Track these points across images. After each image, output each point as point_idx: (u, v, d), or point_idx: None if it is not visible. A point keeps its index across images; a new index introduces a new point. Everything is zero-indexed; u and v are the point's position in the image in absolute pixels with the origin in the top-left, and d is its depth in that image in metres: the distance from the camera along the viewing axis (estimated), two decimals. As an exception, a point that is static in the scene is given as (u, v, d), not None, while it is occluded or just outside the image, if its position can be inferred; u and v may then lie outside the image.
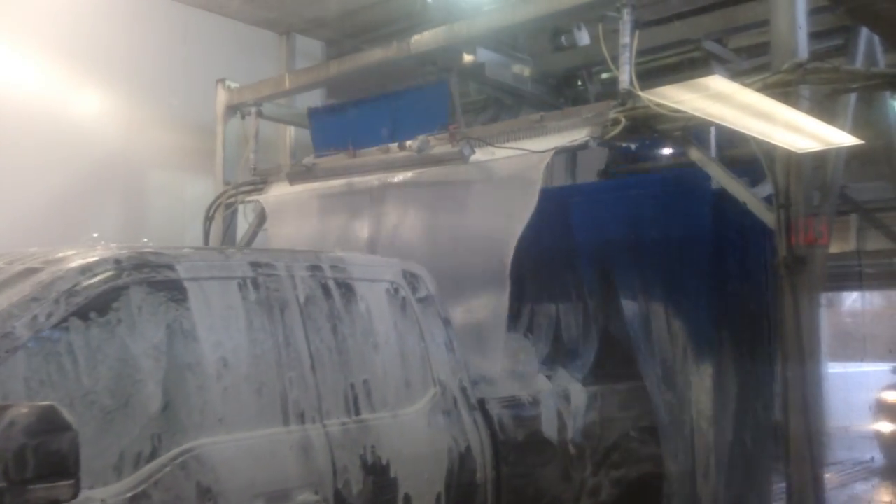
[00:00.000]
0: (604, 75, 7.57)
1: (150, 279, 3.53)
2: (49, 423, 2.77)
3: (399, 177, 6.17)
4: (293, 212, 7.01)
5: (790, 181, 4.96)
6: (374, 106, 6.71)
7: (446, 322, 4.70)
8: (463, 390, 4.57)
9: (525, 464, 4.70)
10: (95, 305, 3.33)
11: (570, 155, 6.86)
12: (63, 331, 3.22)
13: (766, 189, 5.21)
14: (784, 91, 4.85)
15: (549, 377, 5.28)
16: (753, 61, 6.85)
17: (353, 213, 6.41)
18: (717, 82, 4.68)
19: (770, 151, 5.07)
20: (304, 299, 4.03)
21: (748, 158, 5.43)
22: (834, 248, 6.28)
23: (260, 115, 7.85)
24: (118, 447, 3.21)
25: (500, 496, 4.51)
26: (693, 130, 5.39)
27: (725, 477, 5.46)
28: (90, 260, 3.46)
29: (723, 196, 5.30)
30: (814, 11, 5.41)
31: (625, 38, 5.31)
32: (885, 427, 12.44)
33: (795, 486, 4.94)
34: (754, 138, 5.05)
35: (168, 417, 3.38)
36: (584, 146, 5.40)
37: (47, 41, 7.66)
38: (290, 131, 8.95)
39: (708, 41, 6.89)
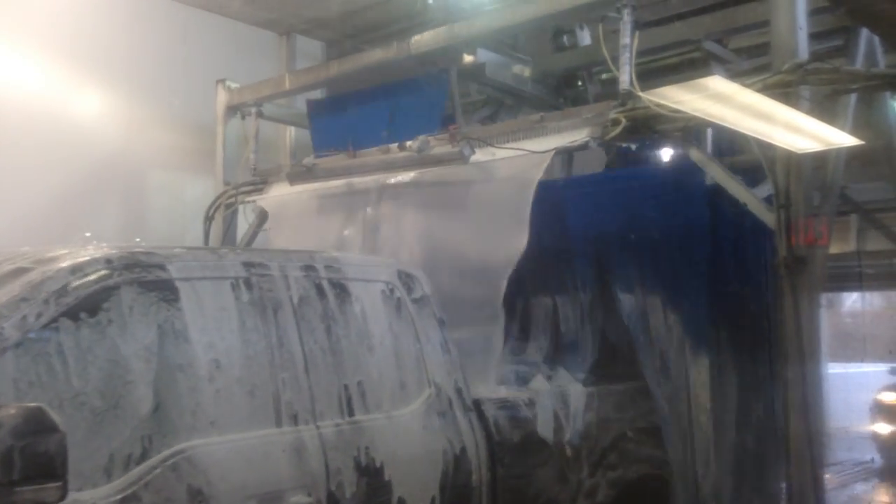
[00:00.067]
0: (603, 76, 7.57)
1: (142, 279, 3.51)
2: (36, 425, 2.76)
3: (399, 177, 6.16)
4: (293, 212, 7.01)
5: (790, 181, 4.95)
6: (373, 95, 6.71)
7: (441, 323, 4.67)
8: (458, 391, 4.54)
9: (521, 465, 4.68)
10: (86, 306, 3.30)
11: (567, 155, 6.85)
12: (53, 331, 3.19)
13: (766, 189, 5.21)
14: (784, 91, 4.84)
15: (549, 377, 5.28)
16: (754, 62, 6.84)
17: (354, 214, 6.41)
18: (718, 83, 4.68)
19: (770, 152, 5.07)
20: (297, 300, 4.00)
21: (752, 166, 5.43)
22: (834, 249, 6.26)
23: (260, 115, 7.84)
24: (108, 449, 3.18)
25: (496, 498, 4.49)
26: (692, 132, 5.38)
27: (727, 471, 5.47)
28: (80, 260, 3.43)
29: (717, 192, 5.30)
30: (814, 12, 5.40)
31: (625, 39, 5.30)
32: (882, 428, 12.43)
33: (795, 486, 4.94)
34: (754, 139, 5.05)
35: (159, 419, 3.35)
36: (584, 147, 5.39)
37: (47, 41, 7.65)
38: (291, 132, 8.95)
39: (708, 42, 6.88)
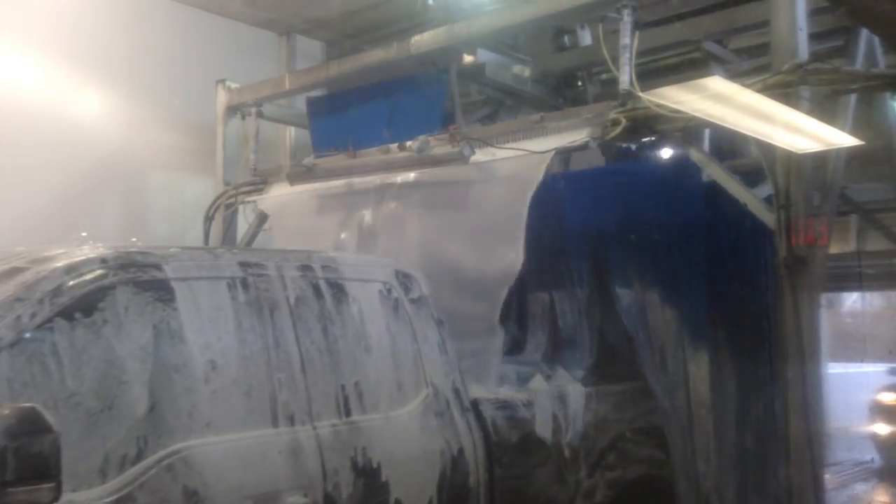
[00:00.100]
0: (603, 76, 7.57)
1: (137, 279, 3.49)
2: (30, 425, 2.75)
3: (399, 178, 6.16)
4: (293, 213, 7.01)
5: (790, 182, 4.96)
6: (372, 93, 6.72)
7: (439, 323, 4.65)
8: (456, 392, 4.52)
9: (519, 465, 4.66)
10: (81, 306, 3.28)
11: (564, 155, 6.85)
12: (47, 331, 3.17)
13: (766, 189, 5.21)
14: (784, 92, 4.84)
15: (548, 377, 5.27)
16: (754, 62, 6.84)
17: (353, 214, 6.41)
18: (717, 83, 4.67)
19: (770, 152, 5.07)
20: (294, 300, 3.98)
21: (751, 169, 5.44)
22: (834, 249, 6.26)
23: (260, 115, 7.84)
24: (103, 449, 3.17)
25: (494, 499, 4.46)
26: (692, 132, 5.39)
27: (729, 466, 5.47)
28: (75, 259, 3.41)
29: (715, 188, 5.30)
30: (814, 12, 5.40)
31: (625, 39, 5.31)
32: (881, 429, 12.42)
33: (795, 486, 4.94)
34: (754, 139, 5.05)
35: (154, 419, 3.33)
36: (584, 147, 5.39)
37: (47, 41, 7.65)
38: (291, 132, 8.95)
39: (708, 42, 6.88)
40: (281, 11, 9.17)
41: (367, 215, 6.29)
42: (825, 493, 5.12)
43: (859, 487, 10.93)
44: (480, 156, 5.72)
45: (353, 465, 3.88)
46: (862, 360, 16.62)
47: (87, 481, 3.09)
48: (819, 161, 5.32)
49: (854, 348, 18.03)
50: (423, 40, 6.48)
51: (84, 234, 4.22)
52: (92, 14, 7.91)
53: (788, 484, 4.99)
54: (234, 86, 7.97)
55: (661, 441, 5.47)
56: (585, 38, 7.62)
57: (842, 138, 5.16)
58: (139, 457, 3.25)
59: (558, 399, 5.01)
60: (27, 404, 2.82)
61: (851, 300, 18.99)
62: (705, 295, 5.50)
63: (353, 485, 3.86)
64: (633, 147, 5.90)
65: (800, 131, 4.87)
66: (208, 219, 7.79)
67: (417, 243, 5.89)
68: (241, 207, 7.68)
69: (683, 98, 4.72)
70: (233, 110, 7.98)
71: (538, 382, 5.11)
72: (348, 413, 3.99)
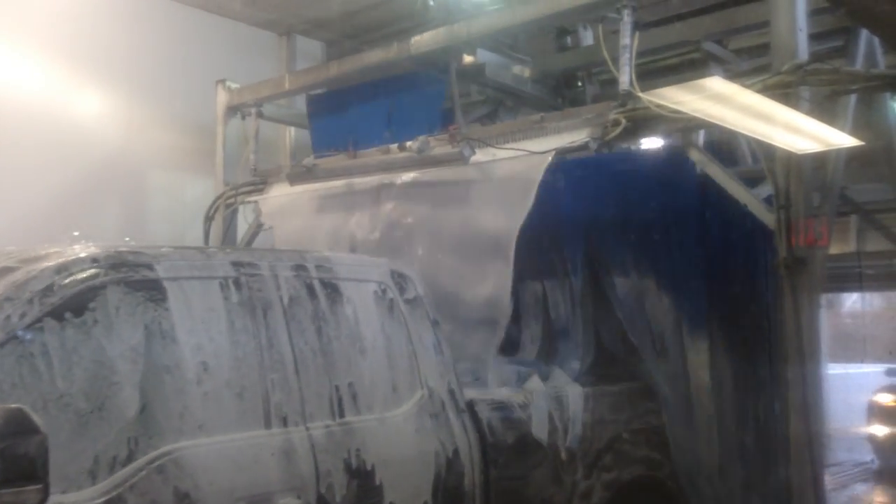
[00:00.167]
0: (602, 76, 7.58)
1: (128, 279, 3.45)
2: (17, 426, 2.72)
3: (399, 178, 6.16)
4: (293, 213, 7.01)
5: (790, 182, 4.96)
6: (372, 91, 6.72)
7: (435, 323, 4.61)
8: (451, 393, 4.48)
9: (515, 467, 4.63)
10: (71, 305, 3.25)
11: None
12: (37, 331, 3.14)
13: (766, 190, 5.22)
14: (784, 92, 4.84)
15: (545, 377, 5.26)
16: (753, 62, 6.84)
17: (353, 214, 6.41)
18: (717, 83, 4.67)
19: (770, 152, 5.07)
20: (287, 300, 3.95)
21: (749, 177, 5.45)
22: (834, 250, 6.26)
23: (260, 115, 7.85)
24: (93, 451, 3.14)
25: (489, 500, 4.43)
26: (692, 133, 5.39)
27: (731, 455, 5.48)
28: (66, 259, 3.37)
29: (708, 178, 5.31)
30: (814, 13, 5.39)
31: (625, 40, 5.31)
32: (878, 430, 12.41)
33: (796, 486, 4.94)
34: (754, 139, 5.05)
35: (145, 420, 3.30)
36: (584, 147, 5.39)
37: (47, 41, 7.65)
38: (291, 132, 8.94)
39: (708, 42, 6.88)
40: (281, 12, 9.17)
41: (366, 215, 6.29)
42: (825, 493, 5.12)
43: (859, 488, 10.93)
44: (480, 156, 5.72)
45: (347, 466, 3.85)
46: (862, 361, 16.64)
47: (76, 483, 3.07)
48: (819, 161, 5.32)
49: (854, 349, 18.06)
50: (423, 40, 6.48)
51: (76, 233, 4.19)
52: (92, 14, 7.91)
53: (789, 484, 4.99)
54: (234, 86, 7.97)
55: (659, 442, 5.46)
56: (587, 38, 7.62)
57: (842, 139, 5.16)
58: (130, 458, 3.22)
59: (555, 400, 4.98)
60: (14, 405, 2.80)
61: (851, 301, 19.02)
62: (704, 283, 5.51)
63: (347, 486, 3.82)
64: (636, 154, 5.90)
65: (800, 132, 4.87)
66: (208, 219, 7.79)
67: (417, 243, 5.88)
68: (241, 207, 7.69)
69: (683, 98, 4.72)
70: (233, 110, 7.99)
71: (535, 383, 5.09)
72: (342, 414, 3.95)
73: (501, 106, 7.72)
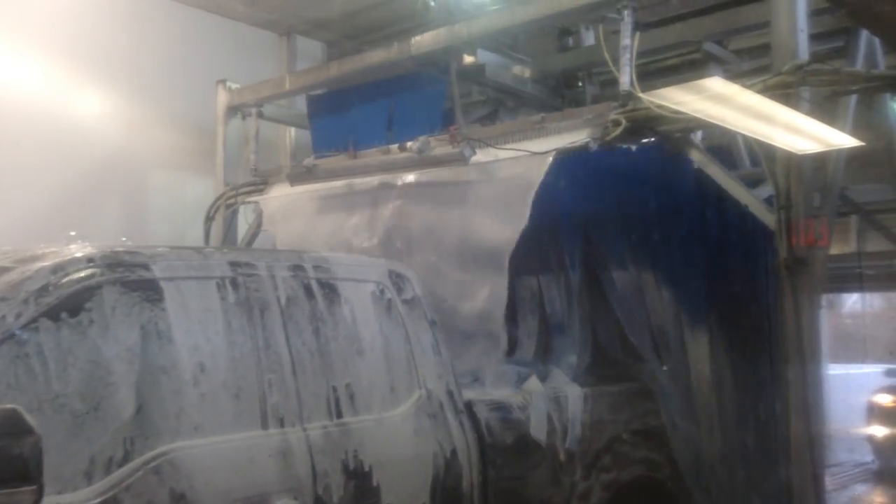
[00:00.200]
0: (602, 77, 7.57)
1: (124, 279, 3.44)
2: (10, 427, 2.72)
3: (400, 178, 6.16)
4: (293, 213, 7.01)
5: (791, 183, 4.95)
6: (372, 91, 6.71)
7: (433, 324, 4.60)
8: (449, 394, 4.47)
9: (513, 467, 4.61)
10: (66, 306, 3.24)
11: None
12: (32, 332, 3.13)
13: (767, 190, 5.21)
14: (784, 93, 4.83)
15: (544, 378, 5.25)
16: (754, 63, 6.84)
17: (354, 214, 6.41)
18: (718, 84, 4.67)
19: (771, 153, 5.07)
20: (285, 300, 3.93)
21: (747, 181, 5.45)
22: (834, 250, 6.25)
23: (260, 115, 7.84)
24: (88, 451, 3.13)
25: (488, 501, 4.42)
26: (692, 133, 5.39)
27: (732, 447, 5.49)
28: (62, 259, 3.36)
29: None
30: (814, 13, 5.39)
31: (625, 40, 5.30)
32: (877, 431, 12.40)
33: (796, 487, 4.94)
34: (755, 139, 5.05)
35: (141, 421, 3.29)
36: (584, 147, 5.38)
37: (47, 41, 7.64)
38: (291, 132, 8.94)
39: (708, 43, 6.88)
40: (281, 12, 9.17)
41: (367, 216, 6.28)
42: (826, 493, 5.12)
43: (860, 489, 10.92)
44: (481, 156, 5.71)
45: (344, 467, 3.84)
46: (863, 362, 16.63)
47: (72, 484, 3.06)
48: (819, 162, 5.31)
49: (854, 349, 18.05)
50: (423, 41, 6.48)
51: (73, 233, 4.18)
52: (92, 14, 7.91)
53: (789, 484, 4.99)
54: (234, 86, 7.97)
55: (658, 443, 5.46)
56: (589, 39, 7.62)
57: (842, 139, 5.15)
58: (125, 459, 3.21)
59: (554, 401, 4.97)
60: (8, 406, 2.79)
61: (852, 301, 19.02)
62: (703, 277, 5.51)
63: (344, 487, 3.81)
64: (633, 148, 5.89)
65: (800, 132, 4.87)
66: (209, 219, 7.79)
67: (418, 244, 5.88)
68: (241, 208, 7.68)
69: (684, 99, 4.72)
70: (233, 111, 7.98)
71: (533, 383, 5.08)
72: (339, 415, 3.94)
73: (502, 106, 7.71)
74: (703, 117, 4.80)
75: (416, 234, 5.93)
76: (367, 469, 3.92)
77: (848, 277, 9.55)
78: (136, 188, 8.47)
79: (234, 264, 3.86)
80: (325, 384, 3.94)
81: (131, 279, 3.46)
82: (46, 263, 3.32)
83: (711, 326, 5.52)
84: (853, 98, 5.57)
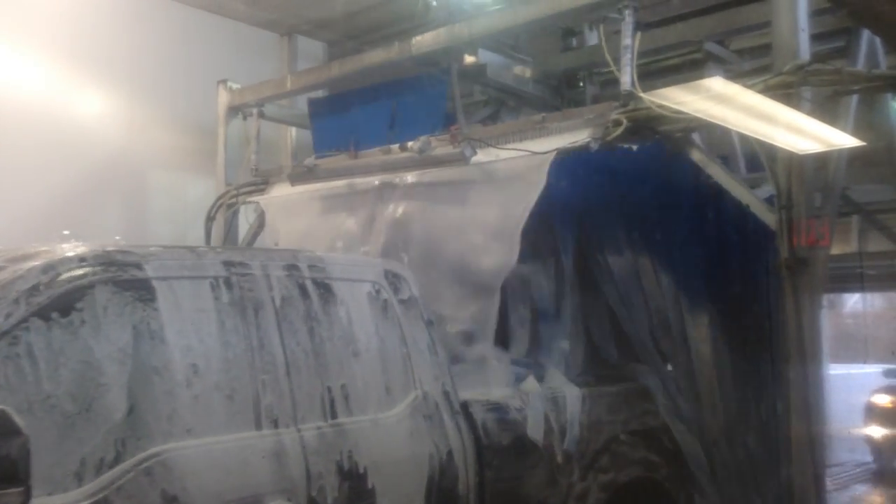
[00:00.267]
0: (603, 76, 7.58)
1: (117, 278, 3.40)
2: None
3: (400, 178, 6.16)
4: (293, 213, 7.01)
5: (792, 183, 4.95)
6: (374, 94, 6.71)
7: (429, 324, 4.57)
8: (445, 394, 4.44)
9: (510, 468, 4.59)
10: (58, 305, 3.20)
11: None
12: (23, 331, 3.09)
13: (768, 190, 5.21)
14: (785, 93, 4.83)
15: (540, 377, 5.23)
16: (755, 63, 6.84)
17: (355, 215, 6.41)
18: (719, 84, 4.67)
19: (772, 153, 5.06)
20: (280, 300, 3.90)
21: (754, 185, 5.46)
22: (835, 250, 6.25)
23: (261, 115, 7.85)
24: (79, 452, 3.10)
25: (484, 503, 4.39)
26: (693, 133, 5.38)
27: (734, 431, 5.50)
28: (53, 258, 3.33)
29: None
30: (815, 13, 5.38)
31: (626, 40, 5.30)
32: (875, 431, 12.38)
33: (797, 487, 4.94)
34: (755, 139, 5.05)
35: (133, 422, 3.26)
36: (585, 147, 5.38)
37: (48, 41, 7.64)
38: (292, 132, 8.95)
39: (709, 43, 6.88)
40: (282, 12, 9.17)
41: (368, 216, 6.28)
42: (826, 493, 5.12)
43: (860, 489, 10.92)
44: (483, 156, 5.71)
45: (339, 468, 3.81)
46: (864, 362, 16.63)
47: (62, 485, 3.03)
48: (820, 162, 5.31)
49: (855, 349, 18.05)
50: (424, 41, 6.48)
51: (66, 232, 4.16)
52: (93, 14, 7.91)
53: (790, 484, 4.99)
54: (235, 86, 7.97)
55: (656, 444, 5.45)
56: (593, 39, 7.61)
57: (843, 139, 5.15)
58: (117, 460, 3.18)
59: (551, 401, 4.94)
60: (-4, 407, 2.76)
61: (853, 301, 19.02)
62: (702, 262, 5.50)
63: (339, 489, 3.78)
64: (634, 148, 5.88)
65: (801, 132, 4.86)
66: (210, 219, 7.79)
67: (419, 244, 5.88)
68: (242, 208, 7.68)
69: (685, 99, 4.72)
70: (234, 111, 7.99)
71: (531, 384, 5.05)
72: (334, 416, 3.91)
73: (503, 106, 7.72)
74: (705, 117, 4.80)
75: (417, 233, 5.93)
76: (361, 470, 3.89)
77: (849, 277, 9.55)
78: (137, 188, 8.47)
79: (227, 264, 3.82)
80: (319, 385, 3.91)
81: (123, 279, 3.43)
82: (37, 263, 3.28)
83: (711, 311, 5.52)
84: (854, 98, 5.57)
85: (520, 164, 5.49)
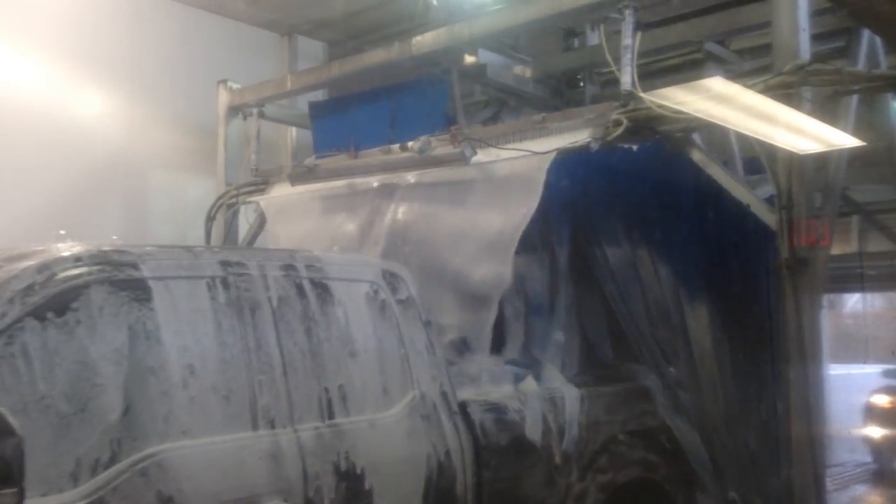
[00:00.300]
0: (604, 76, 7.58)
1: (112, 278, 3.39)
2: None
3: (400, 178, 6.16)
4: (294, 213, 7.01)
5: (792, 183, 4.94)
6: (374, 102, 6.71)
7: (427, 324, 4.54)
8: (443, 395, 4.42)
9: (508, 469, 4.56)
10: (53, 305, 3.19)
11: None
12: (18, 332, 3.08)
13: (768, 190, 5.21)
14: (786, 93, 4.82)
15: (537, 377, 5.22)
16: (755, 63, 6.84)
17: (355, 214, 6.41)
18: (719, 84, 4.66)
19: (772, 153, 5.06)
20: (277, 300, 3.88)
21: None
22: (835, 250, 6.25)
23: (262, 115, 7.86)
24: (75, 453, 3.09)
25: (482, 503, 4.38)
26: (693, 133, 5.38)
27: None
28: (48, 258, 3.31)
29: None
30: (816, 13, 5.37)
31: (626, 40, 5.30)
32: (874, 432, 12.35)
33: (797, 487, 4.94)
34: (756, 139, 5.05)
35: (128, 422, 3.24)
36: (585, 147, 5.38)
37: (48, 41, 7.64)
38: (292, 132, 8.95)
39: (710, 43, 6.88)
40: (283, 12, 9.17)
41: (368, 216, 6.28)
42: (827, 494, 5.11)
43: (860, 489, 10.91)
44: (483, 156, 5.71)
45: (336, 469, 3.79)
46: (864, 362, 16.61)
47: (57, 486, 3.02)
48: (821, 162, 5.31)
49: (856, 349, 18.04)
50: (424, 41, 6.48)
51: (62, 231, 4.14)
52: (93, 14, 7.91)
53: (790, 484, 4.99)
54: (235, 86, 7.98)
55: (655, 444, 5.43)
56: (595, 40, 7.61)
57: (843, 139, 5.14)
58: (112, 461, 3.16)
59: (549, 401, 4.92)
60: (-11, 407, 2.74)
61: (853, 301, 19.01)
62: (700, 254, 5.51)
63: (336, 489, 3.76)
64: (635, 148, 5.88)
65: (801, 132, 4.86)
66: (210, 219, 7.79)
67: (419, 243, 5.87)
68: (242, 208, 7.68)
69: (685, 99, 4.71)
70: (234, 111, 7.99)
71: (529, 384, 5.03)
72: (331, 416, 3.89)
73: (505, 107, 7.72)
74: (705, 117, 4.80)
75: (417, 233, 5.92)
76: (359, 471, 3.87)
77: (849, 278, 9.55)
78: (137, 188, 8.48)
79: (224, 263, 3.80)
80: (316, 385, 3.89)
81: (119, 278, 3.41)
82: (32, 262, 3.26)
83: (711, 303, 5.52)
84: (855, 98, 5.57)
85: (520, 163, 5.49)
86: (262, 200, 7.35)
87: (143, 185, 8.55)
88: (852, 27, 6.06)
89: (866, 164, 6.90)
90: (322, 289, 4.11)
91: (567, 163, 5.52)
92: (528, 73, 7.50)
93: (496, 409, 4.64)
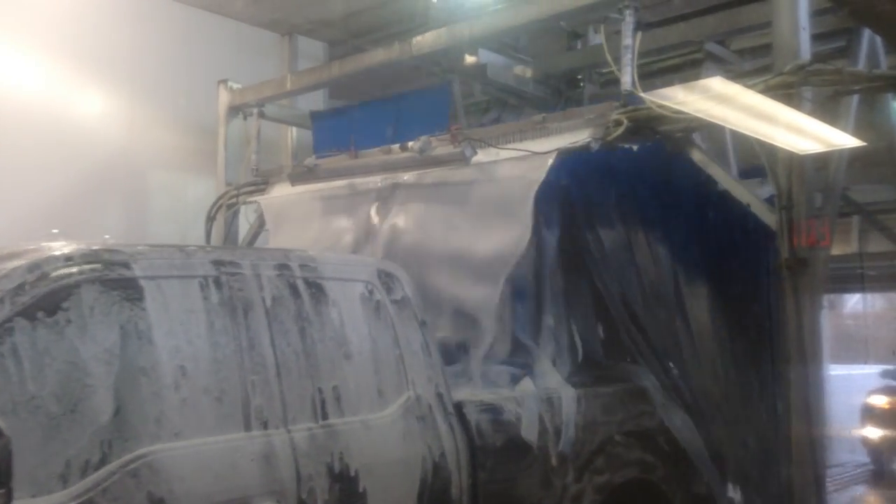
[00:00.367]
0: (603, 76, 7.58)
1: (104, 277, 3.36)
2: None
3: (400, 178, 6.16)
4: (294, 213, 7.01)
5: (792, 183, 4.94)
6: (376, 108, 6.71)
7: (422, 324, 4.50)
8: (439, 395, 4.38)
9: (504, 470, 4.53)
10: (43, 305, 3.16)
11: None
12: (7, 331, 3.05)
13: (768, 190, 5.21)
14: (786, 93, 4.82)
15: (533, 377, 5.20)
16: (756, 63, 6.84)
17: (355, 215, 6.40)
18: (720, 84, 4.66)
19: (772, 153, 5.06)
20: (270, 300, 3.84)
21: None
22: (836, 250, 6.25)
23: (262, 115, 7.86)
24: (64, 454, 3.06)
25: None
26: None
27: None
28: (38, 257, 3.28)
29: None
30: (816, 13, 5.37)
31: (627, 40, 5.30)
32: (871, 432, 12.34)
33: (797, 487, 4.93)
34: (756, 139, 5.05)
35: (119, 423, 3.21)
36: (586, 147, 5.38)
37: (49, 41, 7.65)
38: (292, 132, 8.95)
39: (710, 43, 6.88)
40: (283, 12, 9.17)
41: (368, 216, 6.28)
42: (827, 494, 5.11)
43: (860, 489, 10.91)
44: (483, 156, 5.70)
45: (329, 470, 3.76)
46: (865, 362, 16.61)
47: (47, 487, 3.00)
48: (821, 162, 5.30)
49: (856, 350, 18.04)
50: (425, 41, 6.48)
51: (55, 230, 4.13)
52: (94, 14, 7.91)
53: (790, 484, 4.98)
54: (236, 86, 7.98)
55: (652, 445, 5.40)
56: (596, 41, 7.62)
57: (844, 139, 5.14)
58: (102, 462, 3.13)
59: (547, 402, 4.89)
60: (-24, 408, 2.72)
61: (853, 302, 19.01)
62: (696, 235, 5.52)
63: (329, 491, 3.74)
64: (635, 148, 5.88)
65: (802, 132, 4.85)
66: (210, 219, 7.79)
67: (419, 244, 5.87)
68: (242, 208, 7.68)
69: (685, 99, 4.71)
70: (235, 111, 8.00)
71: (525, 384, 5.01)
72: (325, 417, 3.86)
73: (506, 107, 7.72)
74: (705, 117, 4.80)
75: (417, 233, 5.92)
76: (352, 472, 3.84)
77: (849, 278, 9.56)
78: (137, 188, 8.48)
79: (217, 263, 3.77)
80: (310, 386, 3.85)
81: (111, 278, 3.38)
82: (23, 261, 3.23)
83: (710, 287, 5.51)
84: (855, 98, 5.56)
85: (521, 163, 5.48)
86: (263, 200, 7.35)
87: (144, 185, 8.55)
88: (853, 27, 6.06)
89: (867, 165, 6.89)
90: (316, 289, 4.07)
91: (567, 163, 5.52)
92: (529, 73, 7.50)
93: (492, 410, 4.61)
